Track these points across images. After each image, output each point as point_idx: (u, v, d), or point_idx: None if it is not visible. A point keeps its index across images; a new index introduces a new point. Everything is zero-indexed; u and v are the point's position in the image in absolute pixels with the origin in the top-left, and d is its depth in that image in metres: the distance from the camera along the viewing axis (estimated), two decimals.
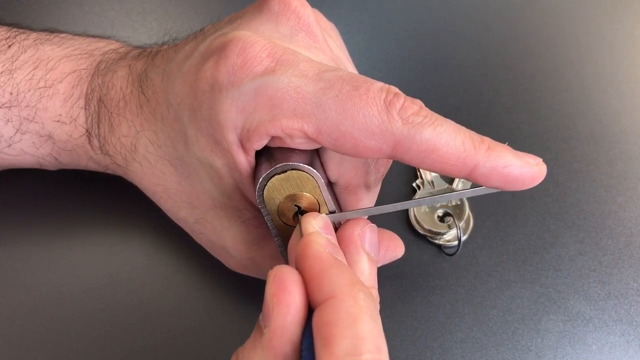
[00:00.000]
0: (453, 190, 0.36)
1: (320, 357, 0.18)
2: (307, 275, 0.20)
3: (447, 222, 0.35)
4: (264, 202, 0.25)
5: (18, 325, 0.32)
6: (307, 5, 0.27)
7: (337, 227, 0.26)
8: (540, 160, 0.24)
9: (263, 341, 0.20)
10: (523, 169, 0.23)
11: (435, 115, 0.23)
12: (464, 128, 0.23)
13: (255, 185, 0.25)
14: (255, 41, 0.24)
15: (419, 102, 0.23)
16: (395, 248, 0.29)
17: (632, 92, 0.41)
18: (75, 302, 0.32)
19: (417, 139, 0.22)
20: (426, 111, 0.23)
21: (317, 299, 0.20)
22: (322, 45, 0.27)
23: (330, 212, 0.26)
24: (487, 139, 0.23)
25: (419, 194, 0.36)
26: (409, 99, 0.23)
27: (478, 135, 0.23)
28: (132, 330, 0.32)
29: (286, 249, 0.27)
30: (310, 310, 0.20)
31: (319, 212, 0.26)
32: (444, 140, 0.22)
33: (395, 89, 0.23)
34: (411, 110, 0.23)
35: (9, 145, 0.30)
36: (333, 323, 0.18)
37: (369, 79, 0.24)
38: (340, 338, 0.18)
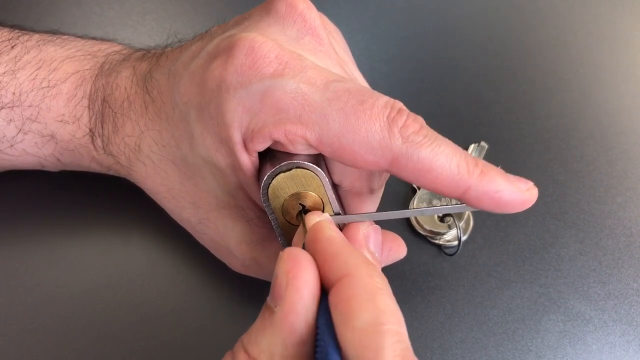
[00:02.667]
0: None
1: (341, 331, 0.18)
2: (320, 257, 0.21)
3: (447, 222, 0.35)
4: (268, 200, 0.25)
5: (18, 325, 0.32)
6: (314, 8, 0.27)
7: (340, 229, 0.26)
8: (531, 184, 0.24)
9: (274, 320, 0.19)
10: (513, 195, 0.24)
11: (435, 135, 0.24)
12: (460, 150, 0.24)
13: (260, 184, 0.25)
14: (264, 42, 0.24)
15: (420, 120, 0.24)
16: (397, 249, 0.29)
17: (632, 92, 0.41)
18: (75, 302, 0.32)
19: (414, 157, 0.23)
20: (426, 130, 0.24)
21: (332, 278, 0.20)
22: (328, 49, 0.27)
23: (335, 213, 0.26)
24: (482, 163, 0.24)
25: (418, 194, 0.36)
26: (412, 116, 0.24)
27: (473, 158, 0.24)
28: (132, 330, 0.32)
29: None
30: (323, 293, 0.20)
31: (323, 211, 0.26)
32: (439, 162, 0.23)
33: (399, 105, 0.24)
34: (412, 128, 0.23)
35: (11, 146, 0.30)
36: (352, 298, 0.19)
37: (375, 93, 0.24)
38: (360, 311, 0.18)
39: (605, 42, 0.44)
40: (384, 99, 0.24)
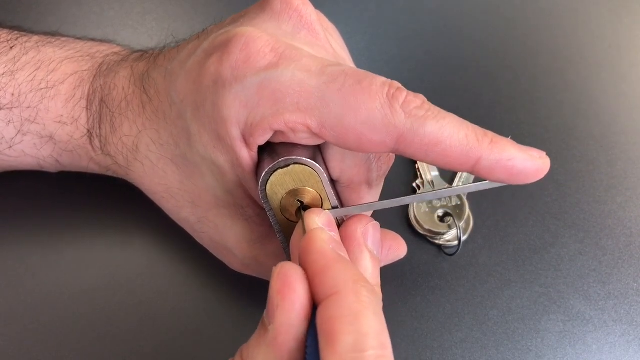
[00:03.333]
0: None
1: (324, 353, 0.18)
2: (310, 272, 0.20)
3: (447, 222, 0.35)
4: (266, 197, 0.25)
5: (18, 325, 0.32)
6: (310, 4, 0.27)
7: (339, 224, 0.26)
8: (543, 153, 0.23)
9: (267, 338, 0.20)
10: (527, 162, 0.23)
11: (438, 109, 0.23)
12: (466, 122, 0.23)
13: (257, 181, 0.25)
14: (259, 36, 0.24)
15: (421, 97, 0.23)
16: (398, 248, 0.29)
17: (632, 92, 0.41)
18: (75, 302, 0.32)
19: (420, 132, 0.22)
20: (429, 105, 0.23)
21: (320, 295, 0.20)
22: (324, 43, 0.27)
23: (333, 208, 0.26)
24: (491, 133, 0.23)
25: (418, 194, 0.36)
26: (412, 93, 0.23)
27: (481, 128, 0.23)
28: (132, 330, 0.32)
29: (289, 245, 0.27)
30: (314, 307, 0.20)
31: (321, 207, 0.26)
32: (447, 133, 0.22)
33: (397, 84, 0.24)
34: (414, 103, 0.23)
35: (10, 147, 0.30)
36: (336, 319, 0.18)
37: (371, 73, 0.24)
38: (343, 334, 0.18)
39: (605, 42, 0.44)
40: (381, 78, 0.24)
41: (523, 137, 0.39)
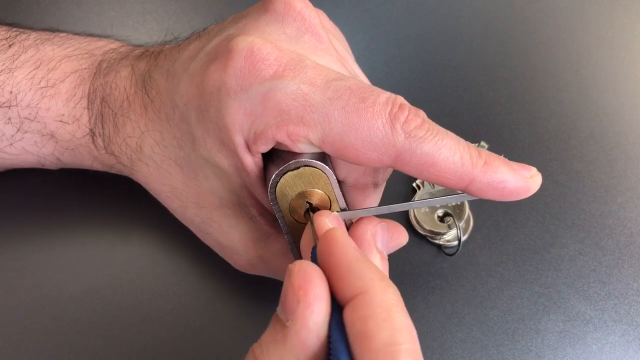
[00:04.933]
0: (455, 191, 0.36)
1: (358, 350, 0.18)
2: (334, 271, 0.20)
3: (447, 222, 0.35)
4: (276, 199, 0.25)
5: (18, 325, 0.32)
6: (311, 6, 0.27)
7: (347, 226, 0.26)
8: (534, 172, 0.25)
9: (287, 334, 0.20)
10: (518, 183, 0.24)
11: (437, 128, 0.24)
12: (463, 142, 0.24)
13: (267, 183, 0.25)
14: (262, 45, 0.24)
15: (422, 114, 0.24)
16: (399, 235, 0.29)
17: (632, 92, 0.41)
18: (75, 302, 0.32)
19: (417, 152, 0.23)
20: (428, 124, 0.24)
21: (346, 294, 0.20)
22: (328, 47, 0.27)
23: (342, 209, 0.26)
24: (485, 153, 0.24)
25: (419, 193, 0.36)
26: (413, 110, 0.24)
27: (476, 149, 0.24)
28: (132, 330, 0.32)
29: (296, 246, 0.27)
30: (333, 305, 0.20)
31: (329, 208, 0.26)
32: (443, 156, 0.23)
33: (400, 100, 0.24)
34: (414, 123, 0.23)
35: (11, 144, 0.30)
36: (368, 317, 0.19)
37: (376, 89, 0.24)
38: (377, 331, 0.18)
39: (605, 42, 0.44)
40: (384, 95, 0.24)
41: (523, 137, 0.39)
